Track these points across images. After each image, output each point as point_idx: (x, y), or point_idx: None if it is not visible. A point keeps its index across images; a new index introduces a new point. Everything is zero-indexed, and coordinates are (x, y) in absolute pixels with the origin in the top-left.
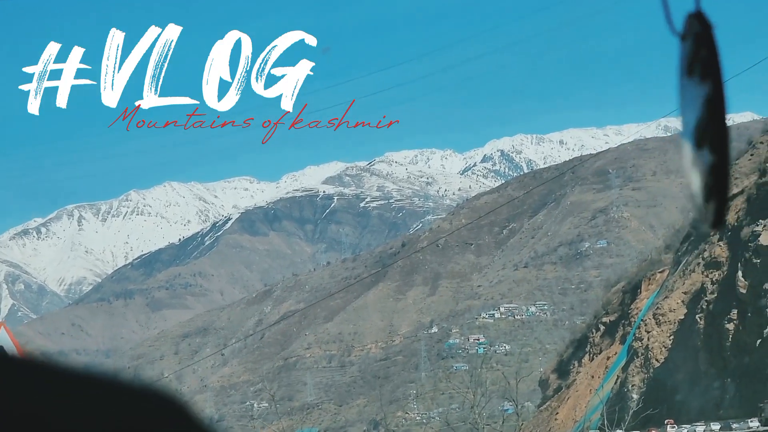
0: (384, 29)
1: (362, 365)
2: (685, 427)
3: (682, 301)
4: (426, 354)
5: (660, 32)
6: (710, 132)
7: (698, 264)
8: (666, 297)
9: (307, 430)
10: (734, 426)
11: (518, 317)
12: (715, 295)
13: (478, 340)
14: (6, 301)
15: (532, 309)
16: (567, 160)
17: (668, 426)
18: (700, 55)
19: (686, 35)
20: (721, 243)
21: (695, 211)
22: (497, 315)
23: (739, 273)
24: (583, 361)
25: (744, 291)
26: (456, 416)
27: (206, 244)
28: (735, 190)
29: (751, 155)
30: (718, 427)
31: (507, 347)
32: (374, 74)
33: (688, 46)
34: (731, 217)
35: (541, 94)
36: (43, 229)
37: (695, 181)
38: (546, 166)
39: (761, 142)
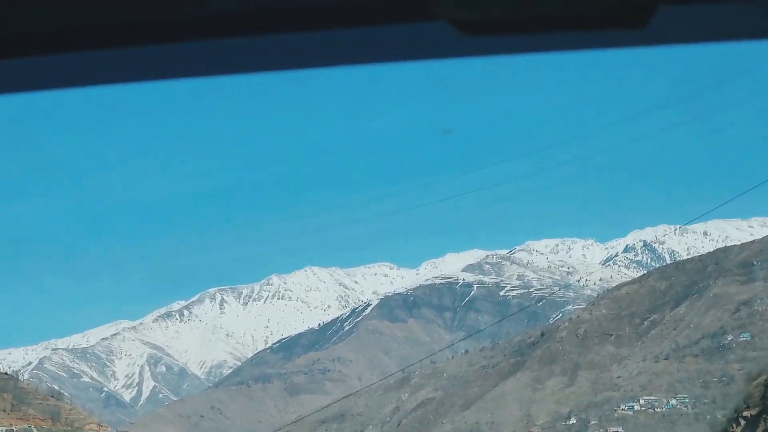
0: (525, 116)
1: None
2: None
3: None
4: None
5: None
6: None
7: None
8: None
9: None
10: None
11: (658, 410)
12: None
13: None
14: (148, 382)
15: (673, 402)
16: (711, 251)
17: None
18: None
19: None
20: None
21: None
22: (636, 407)
23: None
24: None
25: None
26: None
27: (345, 329)
28: None
29: None
30: None
31: None
32: (515, 160)
33: None
34: None
35: (686, 184)
36: (186, 312)
37: None
38: (689, 257)
39: None
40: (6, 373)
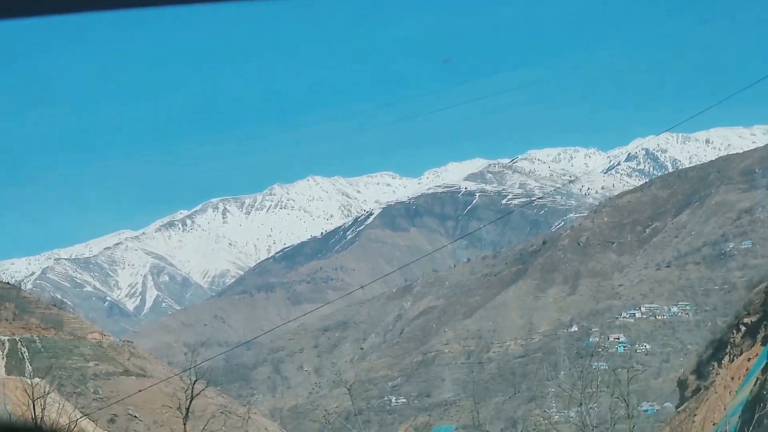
0: (528, 28)
1: (500, 362)
2: None
3: None
4: (565, 352)
5: None
6: None
7: None
8: None
9: (444, 427)
10: None
11: (659, 317)
12: None
13: (618, 339)
14: (151, 291)
15: (674, 309)
16: (713, 159)
17: None
18: None
19: None
20: None
21: None
22: (638, 315)
23: None
24: (722, 362)
25: None
26: (593, 415)
27: (348, 238)
28: None
29: None
30: None
31: (648, 347)
32: (519, 70)
33: None
34: None
35: (688, 92)
36: (189, 222)
37: None
38: (691, 165)
39: None
40: (8, 283)
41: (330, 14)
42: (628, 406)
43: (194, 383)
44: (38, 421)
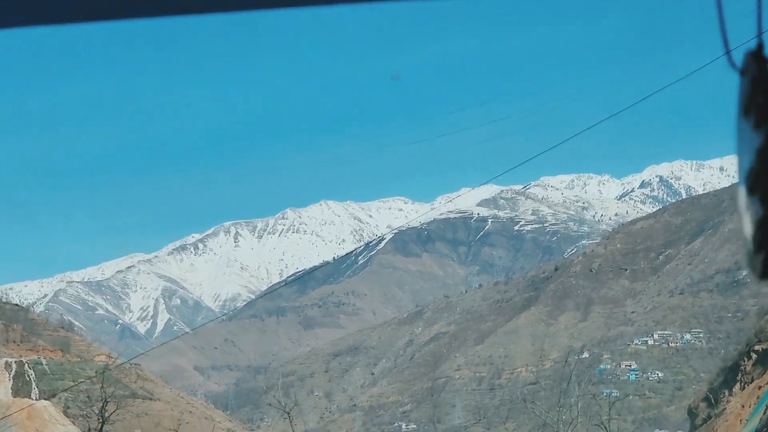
0: (543, 54)
1: (511, 388)
2: None
3: None
4: (576, 379)
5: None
6: (761, 182)
7: None
8: None
9: None
10: None
11: (672, 345)
12: None
13: (630, 366)
14: (162, 315)
15: (687, 336)
16: (726, 186)
17: None
18: (757, 99)
19: (744, 72)
20: None
21: (746, 257)
22: (650, 342)
23: None
24: (734, 389)
25: None
26: None
27: (360, 263)
28: None
29: None
30: None
31: (660, 375)
32: (532, 95)
33: (745, 84)
34: None
35: (704, 119)
36: (201, 245)
37: (747, 226)
38: (705, 192)
39: None
40: (17, 305)
41: (348, 36)
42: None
43: None
44: None
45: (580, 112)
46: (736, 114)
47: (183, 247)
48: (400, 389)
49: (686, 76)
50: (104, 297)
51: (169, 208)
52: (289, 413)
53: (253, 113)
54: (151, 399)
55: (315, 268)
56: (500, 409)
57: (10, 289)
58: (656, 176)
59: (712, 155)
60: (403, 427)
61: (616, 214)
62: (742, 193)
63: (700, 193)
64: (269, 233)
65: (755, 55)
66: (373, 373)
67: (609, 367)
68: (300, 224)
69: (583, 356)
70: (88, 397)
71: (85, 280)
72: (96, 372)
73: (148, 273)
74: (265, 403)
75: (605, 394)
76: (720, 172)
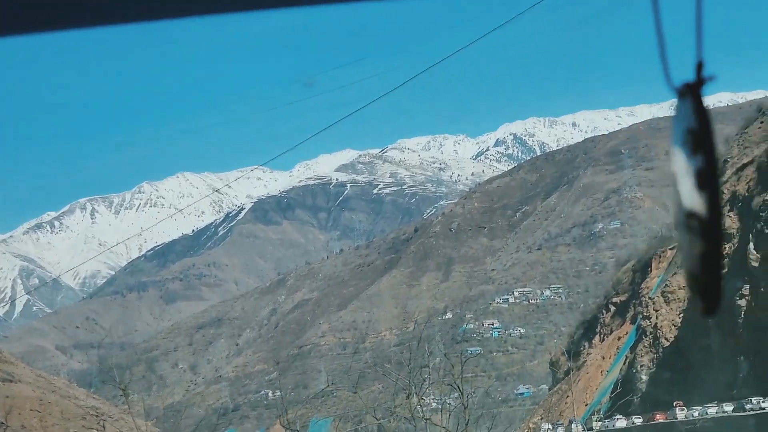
0: (400, 14)
1: (376, 352)
2: (696, 409)
3: None
4: (440, 339)
5: (672, 11)
6: (701, 211)
7: None
8: (675, 274)
9: (321, 420)
10: (748, 407)
11: (533, 301)
12: (726, 269)
13: (493, 324)
14: (21, 295)
15: (547, 293)
16: (579, 141)
17: (677, 408)
18: (694, 129)
19: (683, 95)
20: (731, 214)
21: (688, 287)
22: (511, 300)
23: (751, 245)
24: (593, 342)
25: (756, 264)
26: (472, 401)
27: (220, 234)
28: (745, 160)
29: (761, 123)
30: (731, 408)
31: (522, 331)
32: (385, 58)
33: (683, 110)
34: (741, 187)
35: (553, 76)
36: (57, 223)
37: (684, 253)
38: (559, 148)
39: None
40: None
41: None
42: (462, 393)
43: None
44: None
45: (440, 71)
46: (673, 138)
47: (39, 226)
48: (265, 358)
49: (504, 23)
50: None
51: (22, 186)
52: (124, 390)
53: (105, 86)
54: (11, 381)
55: (174, 242)
56: (366, 373)
57: None
58: (510, 134)
59: (564, 111)
60: (270, 394)
61: (472, 174)
62: (680, 214)
63: (554, 149)
64: (126, 208)
65: (693, 86)
66: (237, 344)
67: (472, 326)
68: (157, 198)
69: (447, 317)
70: None
71: None
72: None
73: (4, 253)
74: (129, 379)
75: (469, 351)
76: (573, 127)
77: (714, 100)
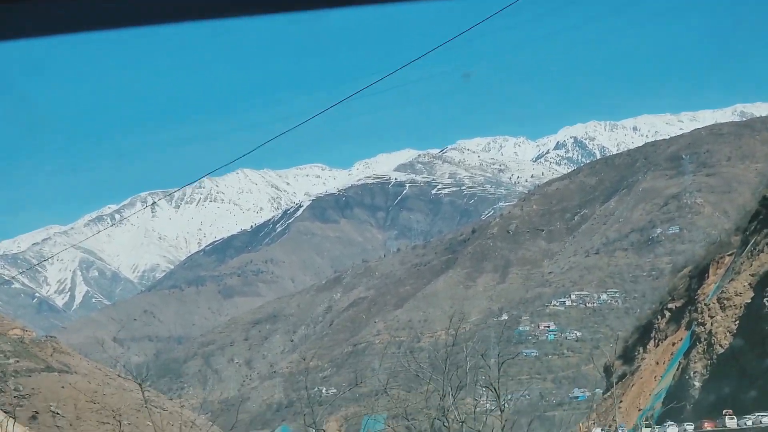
0: (458, 15)
1: (431, 352)
2: (749, 418)
3: (749, 284)
4: (496, 341)
5: (735, 18)
6: None
7: (767, 244)
8: (732, 280)
9: (375, 417)
10: None
11: (589, 305)
12: None
13: (549, 327)
14: (80, 287)
15: (604, 297)
16: (640, 146)
17: (726, 417)
18: None
19: None
20: None
21: None
22: (568, 302)
23: None
24: (648, 347)
25: None
26: (525, 403)
27: (278, 231)
28: None
29: None
30: None
31: (578, 334)
32: (451, 60)
33: None
34: None
35: (616, 80)
36: (117, 216)
37: None
38: (619, 152)
39: None
40: None
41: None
42: (498, 397)
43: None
44: None
45: (503, 73)
46: None
47: (99, 219)
48: (319, 355)
49: (486, 18)
50: (20, 270)
51: (85, 179)
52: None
53: (168, 82)
54: (67, 372)
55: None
56: (420, 372)
57: None
58: (570, 137)
59: (624, 116)
60: (324, 391)
61: (532, 176)
62: None
63: (614, 153)
64: (186, 203)
65: None
66: (292, 340)
67: (528, 328)
68: (217, 193)
69: (502, 318)
70: (2, 372)
71: (0, 253)
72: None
73: (65, 245)
74: (186, 372)
75: (525, 354)
76: (633, 131)
77: None
